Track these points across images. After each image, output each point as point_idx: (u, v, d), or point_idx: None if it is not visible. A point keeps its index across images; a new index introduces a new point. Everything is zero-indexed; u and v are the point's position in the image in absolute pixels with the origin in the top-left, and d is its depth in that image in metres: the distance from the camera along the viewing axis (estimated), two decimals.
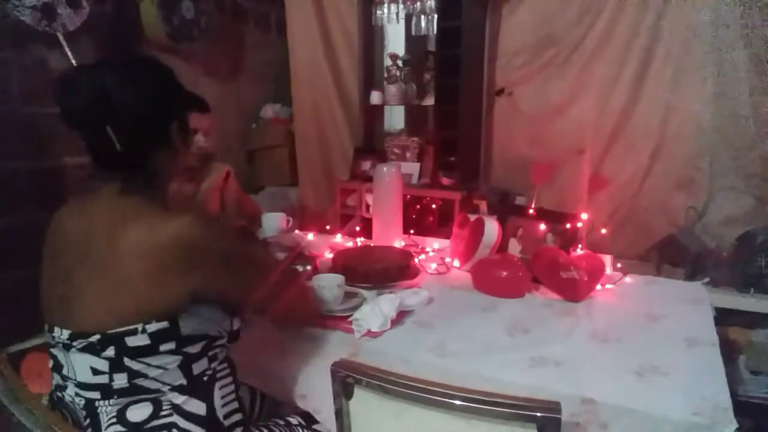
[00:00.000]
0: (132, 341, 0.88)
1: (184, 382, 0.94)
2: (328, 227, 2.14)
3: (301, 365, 1.26)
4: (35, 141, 2.20)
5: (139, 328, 0.88)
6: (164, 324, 0.90)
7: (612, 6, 2.57)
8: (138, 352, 0.89)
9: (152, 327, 0.89)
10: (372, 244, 1.89)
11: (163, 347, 0.90)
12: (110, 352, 0.89)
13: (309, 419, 1.22)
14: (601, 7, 2.60)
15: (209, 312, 0.97)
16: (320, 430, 1.21)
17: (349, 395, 1.02)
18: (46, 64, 2.21)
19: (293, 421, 1.20)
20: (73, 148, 2.31)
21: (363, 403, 1.01)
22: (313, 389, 1.24)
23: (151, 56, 1.06)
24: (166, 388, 0.93)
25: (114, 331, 0.88)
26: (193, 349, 0.95)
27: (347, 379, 1.00)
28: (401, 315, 1.29)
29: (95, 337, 0.89)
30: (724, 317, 1.87)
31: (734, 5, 2.34)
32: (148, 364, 0.90)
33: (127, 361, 0.89)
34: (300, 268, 1.58)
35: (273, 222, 1.81)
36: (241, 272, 1.02)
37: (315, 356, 1.22)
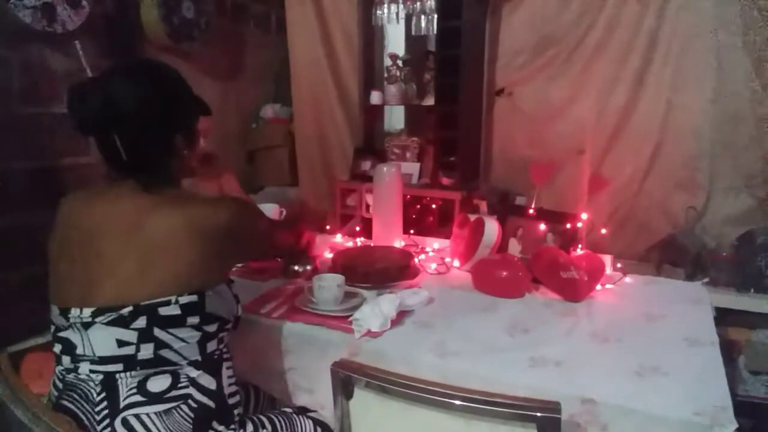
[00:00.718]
0: (164, 311, 0.96)
1: (199, 358, 1.01)
2: (328, 227, 2.14)
3: (301, 365, 1.26)
4: (35, 141, 2.19)
5: (173, 300, 0.96)
6: (194, 297, 0.98)
7: (612, 6, 2.58)
8: (168, 322, 0.97)
9: (184, 299, 0.97)
10: (372, 244, 1.89)
11: (189, 320, 0.98)
12: (141, 322, 0.95)
13: (304, 408, 1.24)
14: (601, 7, 2.60)
15: (226, 293, 1.06)
16: (315, 417, 1.21)
17: (349, 395, 1.02)
18: (46, 64, 2.21)
19: (288, 410, 1.22)
20: (73, 148, 2.32)
21: (363, 403, 1.01)
22: (313, 389, 1.24)
23: (161, 63, 1.11)
24: (184, 362, 1.00)
25: (148, 302, 0.95)
26: (210, 328, 1.02)
27: (347, 379, 1.00)
28: (401, 315, 1.29)
29: (126, 310, 0.95)
30: (724, 317, 1.87)
31: (734, 5, 2.34)
32: (175, 336, 0.97)
33: (156, 331, 0.96)
34: (299, 269, 1.59)
35: (266, 212, 1.81)
36: (261, 242, 1.23)
37: (315, 356, 1.22)
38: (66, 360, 1.00)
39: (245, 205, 1.12)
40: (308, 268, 1.59)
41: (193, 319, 0.99)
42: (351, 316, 1.25)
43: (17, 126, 2.13)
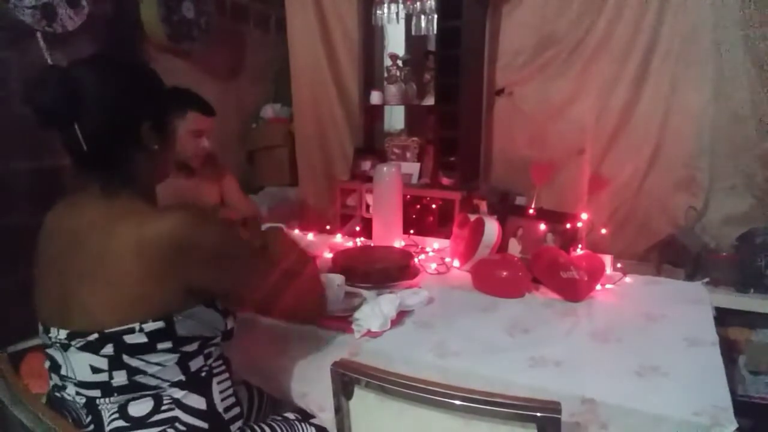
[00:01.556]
0: (130, 339, 0.90)
1: (182, 378, 0.96)
2: (328, 227, 2.14)
3: (301, 365, 1.26)
4: (35, 141, 2.19)
5: (136, 327, 0.89)
6: (160, 324, 0.91)
7: (612, 6, 2.58)
8: (136, 350, 0.90)
9: (149, 326, 0.90)
10: (372, 244, 1.89)
11: (160, 346, 0.92)
12: (109, 349, 0.90)
13: (306, 414, 1.23)
14: (602, 7, 2.60)
15: (203, 314, 0.97)
16: (317, 424, 1.21)
17: (349, 395, 1.02)
18: (46, 64, 2.21)
19: (291, 416, 1.21)
20: None
21: (363, 403, 1.01)
22: (313, 389, 1.24)
23: (131, 57, 1.05)
24: (165, 384, 0.94)
25: (112, 330, 0.89)
26: (190, 348, 0.96)
27: (347, 379, 1.00)
28: (401, 315, 1.29)
29: (93, 336, 0.90)
30: (724, 317, 1.87)
31: (734, 5, 2.34)
32: (147, 361, 0.91)
33: (126, 359, 0.90)
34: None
35: None
36: (234, 267, 1.00)
37: (315, 356, 1.22)
38: (55, 377, 0.99)
39: (201, 217, 0.95)
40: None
41: (165, 344, 0.92)
42: (351, 316, 1.25)
43: (17, 126, 2.13)
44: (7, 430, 0.94)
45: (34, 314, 1.00)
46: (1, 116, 2.07)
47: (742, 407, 0.99)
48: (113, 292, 0.90)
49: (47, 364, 0.99)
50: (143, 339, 0.90)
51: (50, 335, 0.95)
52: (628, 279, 1.61)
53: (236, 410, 1.05)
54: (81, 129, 0.92)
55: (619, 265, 1.67)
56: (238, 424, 1.06)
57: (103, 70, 0.97)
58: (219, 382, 1.02)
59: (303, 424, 1.19)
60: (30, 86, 0.93)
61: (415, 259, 1.67)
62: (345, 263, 1.54)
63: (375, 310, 1.23)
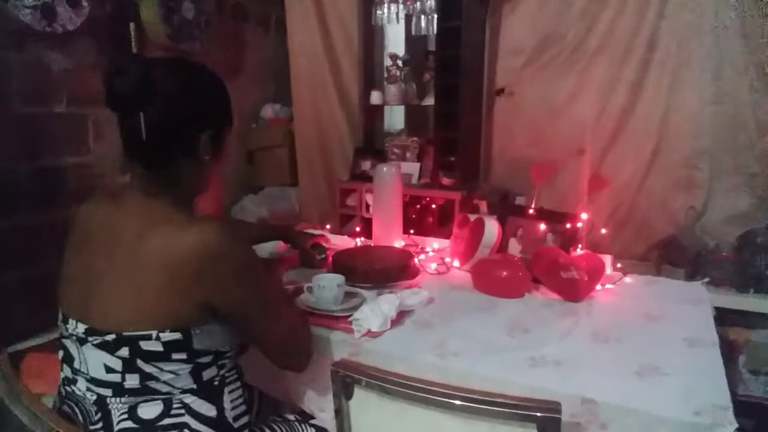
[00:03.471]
0: (146, 345, 0.90)
1: (194, 386, 0.96)
2: (328, 227, 2.14)
3: None
4: (35, 141, 2.20)
5: (153, 335, 0.90)
6: (177, 335, 0.91)
7: (612, 6, 2.57)
8: (151, 356, 0.91)
9: (166, 336, 0.90)
10: (372, 244, 1.89)
11: (175, 356, 0.92)
12: (124, 352, 0.90)
13: (306, 415, 1.23)
14: (602, 8, 2.59)
15: (221, 329, 0.97)
16: (318, 424, 1.21)
17: (349, 395, 1.02)
18: (46, 64, 2.21)
19: (290, 417, 1.21)
20: (73, 149, 2.32)
21: (363, 403, 1.01)
22: (313, 389, 1.24)
23: (205, 65, 1.06)
24: (176, 391, 0.94)
25: (129, 333, 0.90)
26: (204, 359, 0.96)
27: (347, 379, 1.00)
28: (401, 315, 1.29)
29: (111, 336, 0.90)
30: (724, 317, 1.87)
31: (734, 5, 2.34)
32: (161, 369, 0.92)
33: (140, 363, 0.91)
34: (319, 257, 1.63)
35: (270, 243, 1.72)
36: (254, 290, 0.98)
37: (315, 356, 1.22)
38: (66, 369, 0.99)
39: (231, 234, 0.94)
40: (323, 256, 1.64)
41: (180, 355, 0.92)
42: (351, 316, 1.25)
43: (17, 126, 2.13)
44: (7, 430, 0.94)
45: (34, 314, 1.00)
46: (1, 116, 2.07)
47: (742, 407, 0.99)
48: (135, 296, 0.90)
49: (60, 354, 1.00)
50: (159, 347, 0.90)
51: (68, 326, 0.96)
52: (628, 279, 1.61)
53: (245, 418, 1.05)
54: (146, 119, 0.93)
55: (619, 265, 1.67)
56: (246, 430, 1.05)
57: (183, 71, 1.01)
58: (231, 391, 1.02)
59: (303, 425, 1.19)
60: (111, 68, 0.94)
61: (415, 259, 1.67)
62: (345, 263, 1.54)
63: (375, 310, 1.23)
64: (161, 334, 0.90)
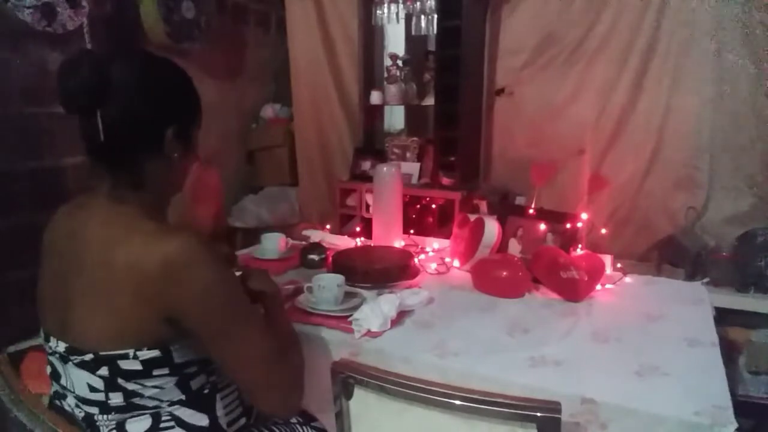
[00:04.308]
0: (124, 365, 0.86)
1: (183, 397, 0.92)
2: (328, 227, 2.14)
3: None
4: (35, 141, 2.19)
5: (131, 354, 0.86)
6: (156, 353, 0.87)
7: (612, 6, 2.58)
8: (131, 375, 0.87)
9: (144, 354, 0.86)
10: (372, 244, 1.89)
11: (156, 372, 0.88)
12: (104, 371, 0.87)
13: (307, 417, 1.23)
14: (602, 8, 2.60)
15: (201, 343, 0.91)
16: (319, 426, 1.21)
17: (349, 395, 1.02)
18: (46, 64, 2.21)
19: (292, 419, 1.20)
20: (73, 148, 2.32)
21: (363, 403, 1.01)
22: (313, 389, 1.24)
23: (166, 57, 1.00)
24: (164, 404, 0.91)
25: (106, 353, 0.86)
26: (190, 370, 0.92)
27: (347, 379, 1.00)
28: (401, 315, 1.29)
29: (89, 356, 0.87)
30: (724, 317, 1.87)
31: (734, 5, 2.34)
32: (143, 385, 0.88)
33: (121, 381, 0.87)
34: (316, 258, 1.63)
35: (271, 243, 1.76)
36: (219, 312, 0.88)
37: (315, 356, 1.22)
38: (55, 385, 0.97)
39: (202, 247, 0.87)
40: (323, 257, 1.65)
41: (162, 371, 0.88)
42: (351, 316, 1.25)
43: (17, 126, 2.13)
44: (7, 430, 0.94)
45: (34, 314, 1.00)
46: (1, 116, 2.07)
47: (742, 407, 0.99)
48: (109, 314, 0.86)
49: (48, 369, 0.98)
50: (138, 366, 0.86)
51: (50, 344, 0.93)
52: (628, 279, 1.61)
53: (242, 421, 1.04)
54: (103, 118, 0.87)
55: (619, 265, 1.67)
56: None
57: (139, 63, 0.94)
58: (224, 397, 0.99)
59: (304, 427, 1.19)
60: (62, 67, 0.88)
61: (415, 259, 1.67)
62: (345, 263, 1.54)
63: (375, 310, 1.23)
64: (138, 353, 0.85)
